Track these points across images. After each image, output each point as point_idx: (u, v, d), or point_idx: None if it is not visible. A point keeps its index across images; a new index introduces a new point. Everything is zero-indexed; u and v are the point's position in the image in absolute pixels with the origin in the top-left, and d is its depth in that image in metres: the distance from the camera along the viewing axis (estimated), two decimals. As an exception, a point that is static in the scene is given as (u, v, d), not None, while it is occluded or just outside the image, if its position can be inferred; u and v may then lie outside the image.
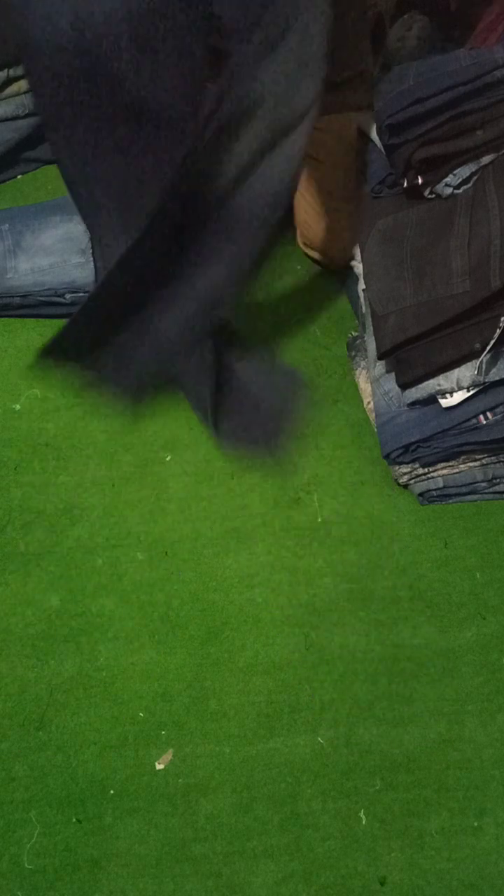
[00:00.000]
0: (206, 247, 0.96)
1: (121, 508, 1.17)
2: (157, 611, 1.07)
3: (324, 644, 1.04)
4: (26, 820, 0.90)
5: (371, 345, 1.20)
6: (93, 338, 1.03)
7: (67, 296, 1.39)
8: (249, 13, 0.85)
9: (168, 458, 1.23)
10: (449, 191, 1.10)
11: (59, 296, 1.39)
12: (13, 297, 1.39)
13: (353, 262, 1.32)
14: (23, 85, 1.62)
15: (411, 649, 1.03)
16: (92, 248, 1.06)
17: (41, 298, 1.39)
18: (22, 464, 1.22)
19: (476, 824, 0.90)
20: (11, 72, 1.59)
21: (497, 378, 1.05)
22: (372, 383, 1.21)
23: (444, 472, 1.14)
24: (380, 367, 1.18)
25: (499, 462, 1.13)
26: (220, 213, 0.94)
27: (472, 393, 1.06)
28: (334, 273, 1.44)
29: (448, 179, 1.09)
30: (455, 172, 1.09)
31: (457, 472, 1.14)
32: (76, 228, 1.44)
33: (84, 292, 1.40)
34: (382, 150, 1.20)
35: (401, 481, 1.17)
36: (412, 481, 1.16)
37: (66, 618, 1.06)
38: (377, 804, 0.92)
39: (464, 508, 1.17)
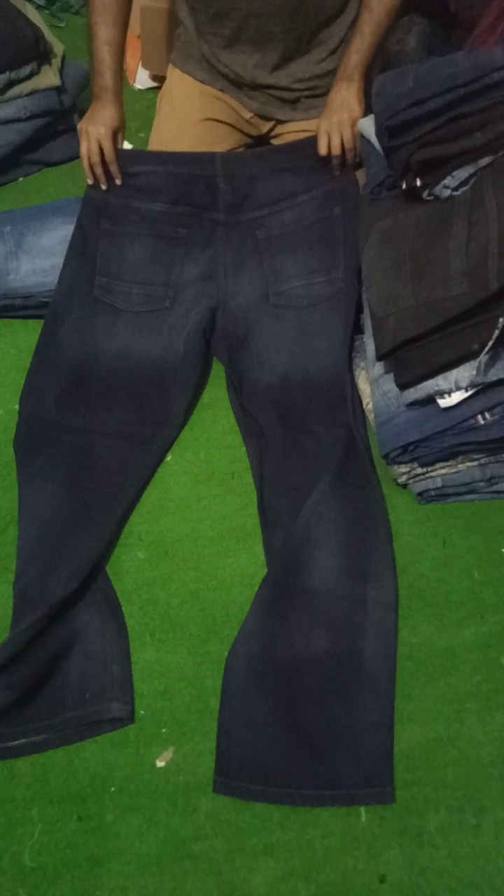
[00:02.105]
0: None
1: (121, 508, 1.17)
2: (157, 610, 1.07)
3: (323, 643, 1.04)
4: (27, 818, 0.90)
5: (370, 346, 1.21)
6: None
7: (68, 297, 1.40)
8: None
9: (168, 458, 1.24)
10: (447, 193, 1.11)
11: (60, 297, 1.40)
12: (15, 298, 1.40)
13: (353, 264, 1.32)
14: (24, 88, 1.63)
15: (410, 648, 1.03)
16: None
17: (43, 299, 1.39)
18: (23, 464, 1.22)
19: (475, 822, 0.90)
20: (13, 74, 1.60)
21: (495, 378, 1.05)
22: (371, 384, 1.21)
23: (443, 471, 1.14)
24: (379, 367, 1.19)
25: (497, 462, 1.13)
26: None
27: (470, 393, 1.07)
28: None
29: (446, 181, 1.10)
30: (453, 174, 1.09)
31: (455, 472, 1.14)
32: (77, 230, 1.46)
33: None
34: (381, 152, 1.21)
35: (399, 481, 1.18)
36: (411, 481, 1.17)
37: (68, 617, 1.06)
38: (377, 802, 0.92)
39: (462, 508, 1.18)
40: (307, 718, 0.94)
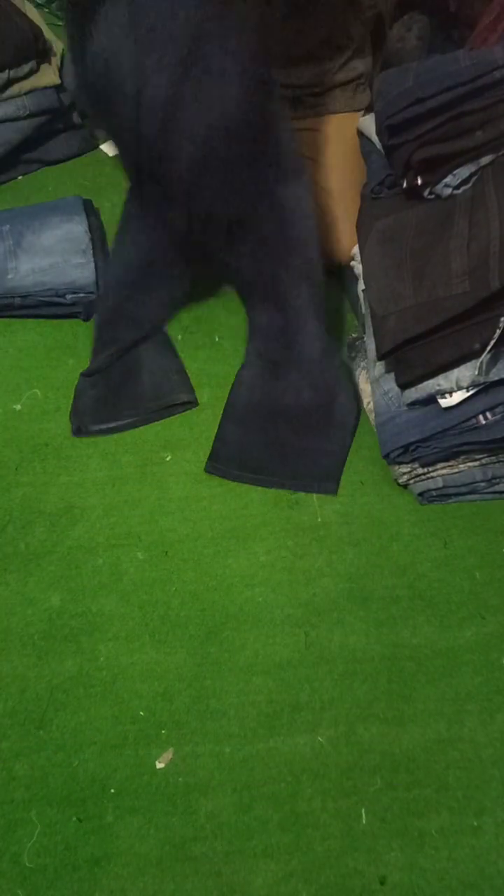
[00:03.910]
0: None
1: (121, 508, 1.17)
2: (157, 610, 1.07)
3: (324, 643, 1.04)
4: (27, 819, 0.90)
5: (371, 345, 1.20)
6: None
7: (68, 296, 1.39)
8: None
9: (168, 458, 1.23)
10: (448, 191, 1.10)
11: (59, 296, 1.39)
12: (14, 297, 1.39)
13: (353, 263, 1.32)
14: (24, 86, 1.63)
15: (411, 649, 1.03)
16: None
17: (42, 299, 1.39)
18: (22, 464, 1.22)
19: (476, 823, 0.90)
20: (12, 73, 1.60)
21: (497, 378, 1.05)
22: (372, 383, 1.21)
23: (444, 471, 1.14)
24: (379, 367, 1.18)
25: (498, 462, 1.13)
26: None
27: (471, 393, 1.06)
28: (334, 273, 1.44)
29: (447, 180, 1.09)
30: (454, 173, 1.09)
31: (456, 472, 1.14)
32: (76, 229, 1.44)
33: (85, 293, 1.40)
34: (382, 150, 1.20)
35: (400, 481, 1.17)
36: (412, 481, 1.16)
37: (67, 617, 1.06)
38: (377, 803, 0.92)
39: (463, 508, 1.17)
40: (286, 440, 1.24)
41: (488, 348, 1.02)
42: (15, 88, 1.62)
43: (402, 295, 1.09)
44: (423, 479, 1.15)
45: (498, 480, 1.14)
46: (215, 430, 1.27)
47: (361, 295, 1.27)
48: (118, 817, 0.90)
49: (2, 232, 1.43)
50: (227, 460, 1.23)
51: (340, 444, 1.25)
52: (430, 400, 1.10)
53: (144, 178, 1.12)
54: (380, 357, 1.15)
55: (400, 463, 1.15)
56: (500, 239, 1.01)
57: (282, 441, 1.24)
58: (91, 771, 0.93)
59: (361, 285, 1.25)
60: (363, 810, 0.91)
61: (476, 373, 1.04)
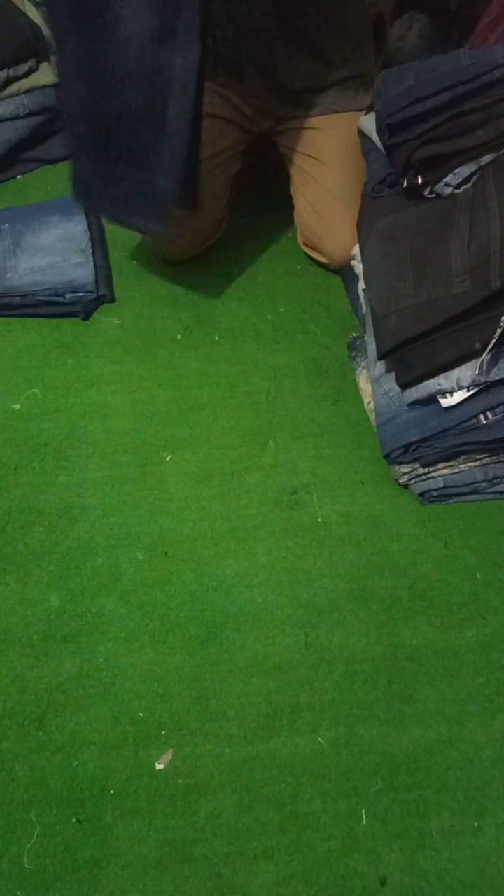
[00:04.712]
0: None
1: (121, 508, 1.17)
2: (156, 611, 1.07)
3: (324, 644, 1.04)
4: (26, 820, 0.90)
5: (371, 345, 1.20)
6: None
7: (67, 295, 1.39)
8: None
9: (168, 458, 1.23)
10: (449, 190, 1.10)
11: (58, 295, 1.39)
12: (13, 296, 1.39)
13: (353, 262, 1.32)
14: (23, 85, 1.63)
15: (411, 649, 1.03)
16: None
17: (41, 298, 1.39)
18: (22, 464, 1.22)
19: (476, 825, 0.90)
20: (11, 72, 1.60)
21: (497, 378, 1.05)
22: (372, 383, 1.21)
23: (445, 472, 1.14)
24: (380, 366, 1.18)
25: (499, 462, 1.12)
26: None
27: (472, 393, 1.06)
28: (334, 273, 1.44)
29: (448, 179, 1.09)
30: (455, 172, 1.08)
31: (457, 472, 1.14)
32: (76, 228, 1.44)
33: (84, 292, 1.40)
34: (382, 149, 1.20)
35: (401, 481, 1.17)
36: (412, 481, 1.16)
37: (66, 618, 1.06)
38: (377, 804, 0.92)
39: (464, 508, 1.17)
40: (123, 170, 1.18)
41: (489, 348, 1.02)
42: (14, 87, 1.62)
43: (402, 294, 1.09)
44: (424, 480, 1.15)
45: (499, 480, 1.14)
46: (215, 431, 1.27)
47: (361, 294, 1.27)
48: (118, 818, 0.90)
49: (1, 231, 1.43)
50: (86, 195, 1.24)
51: (172, 164, 1.17)
52: (431, 400, 1.09)
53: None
54: (380, 357, 1.14)
55: (400, 463, 1.15)
56: (501, 238, 1.01)
57: (119, 163, 1.19)
58: (91, 772, 0.93)
59: (361, 285, 1.25)
60: (363, 811, 0.91)
61: (477, 372, 1.04)
